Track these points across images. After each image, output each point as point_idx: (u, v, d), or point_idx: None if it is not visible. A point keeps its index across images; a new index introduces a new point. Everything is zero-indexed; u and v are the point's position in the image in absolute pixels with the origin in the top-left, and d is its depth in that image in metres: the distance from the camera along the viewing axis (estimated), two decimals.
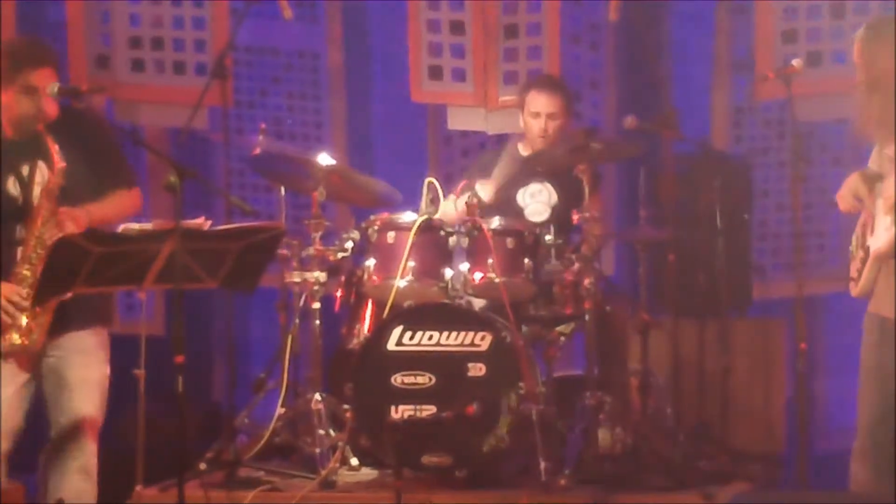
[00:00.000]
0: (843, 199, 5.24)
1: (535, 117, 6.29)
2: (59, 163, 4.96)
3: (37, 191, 4.98)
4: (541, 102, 6.28)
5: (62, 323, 4.97)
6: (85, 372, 5.05)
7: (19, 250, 4.94)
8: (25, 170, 4.99)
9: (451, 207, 6.16)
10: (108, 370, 5.09)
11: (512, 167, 6.34)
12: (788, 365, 6.65)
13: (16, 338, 4.90)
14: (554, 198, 6.28)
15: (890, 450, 5.13)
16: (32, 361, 5.00)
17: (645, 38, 6.92)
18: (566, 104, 6.35)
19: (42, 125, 4.95)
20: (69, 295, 4.81)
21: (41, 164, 4.99)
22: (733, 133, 7.13)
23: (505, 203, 6.26)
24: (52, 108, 4.97)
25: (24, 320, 4.89)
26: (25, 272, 4.91)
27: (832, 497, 4.40)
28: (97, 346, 5.09)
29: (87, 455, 5.08)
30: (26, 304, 4.87)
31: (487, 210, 6.11)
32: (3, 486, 4.89)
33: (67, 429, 5.03)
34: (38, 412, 5.04)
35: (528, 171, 6.30)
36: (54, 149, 4.96)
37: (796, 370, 5.41)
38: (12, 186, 4.99)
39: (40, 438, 5.08)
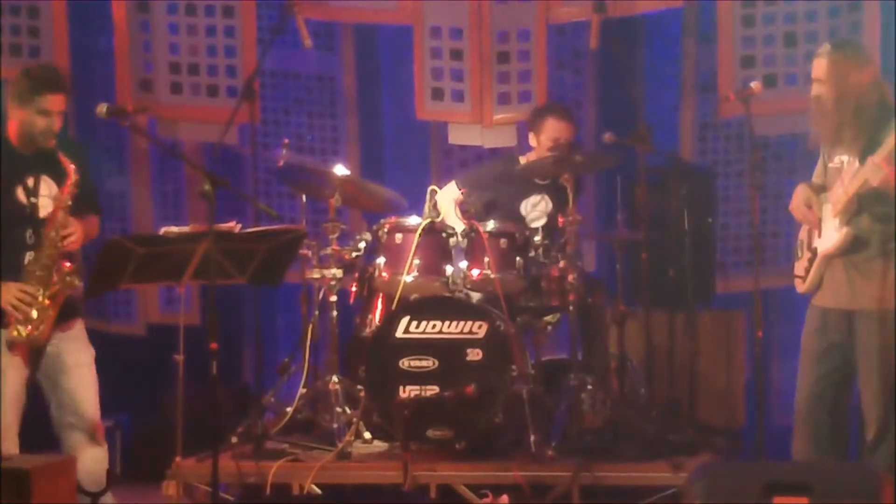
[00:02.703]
0: (797, 208, 5.23)
1: (554, 142, 6.22)
2: (74, 175, 4.94)
3: (43, 201, 4.96)
4: (560, 129, 6.20)
5: (61, 316, 4.97)
6: (80, 356, 5.05)
7: (28, 254, 4.92)
8: (31, 181, 4.97)
9: (449, 206, 6.15)
10: (93, 352, 5.11)
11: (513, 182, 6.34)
12: (747, 350, 6.64)
13: (22, 330, 4.88)
14: (550, 206, 6.30)
15: (826, 426, 5.14)
16: (35, 355, 4.99)
17: (621, 64, 6.89)
18: (575, 129, 6.33)
19: (52, 142, 4.95)
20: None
21: (45, 178, 4.98)
22: (699, 147, 7.10)
23: (508, 211, 6.25)
24: (58, 128, 4.98)
25: (34, 314, 4.88)
26: (39, 273, 4.89)
27: (781, 466, 4.39)
28: (83, 334, 5.12)
29: (91, 423, 5.06)
30: (38, 299, 4.86)
31: (483, 215, 6.12)
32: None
33: (70, 405, 5.02)
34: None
35: (529, 184, 6.29)
36: (67, 163, 4.95)
37: (754, 355, 5.41)
38: (21, 195, 4.97)
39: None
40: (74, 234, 4.95)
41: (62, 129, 5.03)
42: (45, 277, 4.88)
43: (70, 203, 4.94)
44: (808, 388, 5.15)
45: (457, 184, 6.35)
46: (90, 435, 5.05)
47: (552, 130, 6.24)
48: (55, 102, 4.92)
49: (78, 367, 5.04)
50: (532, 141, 6.37)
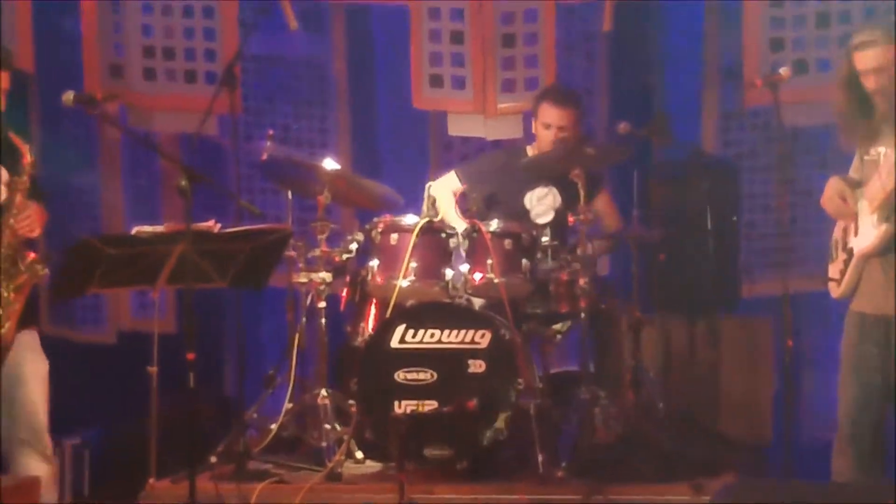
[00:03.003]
0: (830, 200, 5.21)
1: (546, 128, 6.24)
2: (29, 156, 4.94)
3: None
4: (553, 115, 6.23)
5: (24, 315, 4.96)
6: (35, 367, 5.05)
7: None
8: None
9: (451, 213, 6.14)
10: (47, 364, 5.12)
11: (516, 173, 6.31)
12: (775, 360, 6.63)
13: None
14: (558, 200, 6.28)
15: (868, 442, 5.12)
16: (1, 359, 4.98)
17: (637, 47, 6.89)
18: (577, 117, 6.29)
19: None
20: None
21: None
22: (722, 138, 7.10)
23: (510, 205, 6.23)
24: (3, 108, 4.96)
25: None
26: (2, 265, 4.89)
27: (816, 488, 4.36)
28: (38, 343, 5.13)
29: (44, 441, 5.06)
30: (2, 295, 4.85)
31: (486, 213, 6.11)
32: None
33: (25, 419, 5.01)
34: None
35: (534, 174, 6.27)
36: (20, 142, 4.94)
37: (783, 365, 5.38)
38: None
39: None
40: (30, 217, 4.94)
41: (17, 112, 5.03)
42: (9, 269, 4.88)
43: (28, 185, 4.94)
44: (851, 403, 5.13)
45: (456, 174, 6.32)
46: (43, 453, 5.05)
47: (545, 115, 6.23)
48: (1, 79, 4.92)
49: (34, 379, 5.06)
50: (534, 128, 6.36)
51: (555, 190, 6.28)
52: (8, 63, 4.98)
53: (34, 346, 5.09)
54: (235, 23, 7.02)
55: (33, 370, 5.05)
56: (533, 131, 6.35)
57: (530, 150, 6.39)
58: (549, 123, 6.22)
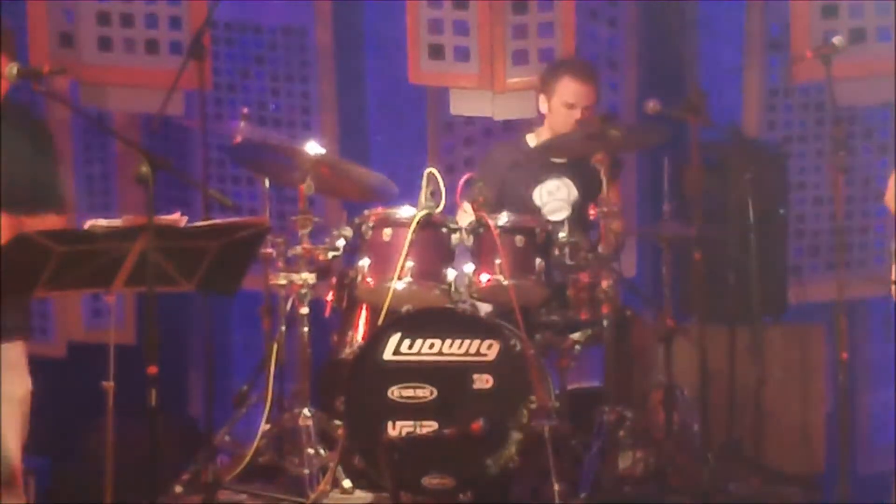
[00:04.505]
0: (893, 200, 5.23)
1: (568, 107, 6.26)
2: None
3: None
4: (578, 92, 6.27)
5: None
6: (10, 388, 5.05)
7: None
8: None
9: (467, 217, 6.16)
10: (30, 384, 5.10)
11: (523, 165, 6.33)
12: (828, 376, 6.65)
13: None
14: (574, 193, 6.30)
15: None
16: None
17: (669, 13, 6.90)
18: (599, 94, 6.34)
19: None
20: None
21: None
22: (767, 118, 7.13)
23: (520, 203, 6.25)
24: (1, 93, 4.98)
25: None
26: None
27: None
28: (20, 359, 5.10)
29: (12, 474, 5.08)
30: None
31: (495, 206, 6.13)
32: None
33: None
34: None
35: (543, 165, 6.29)
36: None
37: (837, 382, 5.40)
38: None
39: None
40: None
41: None
42: None
43: None
44: None
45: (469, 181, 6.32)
46: (9, 484, 5.06)
47: (566, 93, 6.27)
48: None
49: (8, 402, 5.04)
50: (542, 106, 6.38)
51: (569, 182, 6.30)
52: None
53: (11, 363, 5.06)
54: None
55: (7, 391, 5.02)
56: (543, 110, 6.37)
57: (533, 138, 6.41)
58: (573, 103, 6.25)
